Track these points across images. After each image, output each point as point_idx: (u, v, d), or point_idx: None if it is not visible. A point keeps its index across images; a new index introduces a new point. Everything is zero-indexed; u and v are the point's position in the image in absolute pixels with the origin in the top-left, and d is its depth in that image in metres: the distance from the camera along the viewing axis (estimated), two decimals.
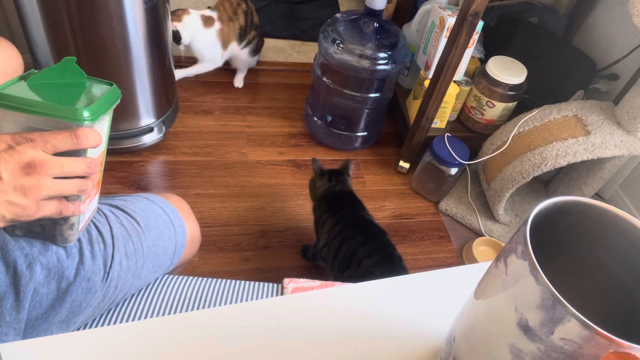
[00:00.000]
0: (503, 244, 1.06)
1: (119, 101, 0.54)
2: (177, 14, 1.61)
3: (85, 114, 0.48)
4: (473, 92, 1.60)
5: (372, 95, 1.56)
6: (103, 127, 0.52)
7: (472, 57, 1.66)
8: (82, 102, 0.50)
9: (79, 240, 0.63)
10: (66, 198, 0.51)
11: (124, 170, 1.48)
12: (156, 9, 1.29)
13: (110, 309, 0.72)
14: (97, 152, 0.52)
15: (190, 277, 0.79)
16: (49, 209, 0.49)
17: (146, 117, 1.48)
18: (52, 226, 0.55)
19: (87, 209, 0.55)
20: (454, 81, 1.53)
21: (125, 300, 0.73)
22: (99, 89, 0.52)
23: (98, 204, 0.70)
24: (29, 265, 0.57)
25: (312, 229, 1.29)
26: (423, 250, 1.50)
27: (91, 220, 0.66)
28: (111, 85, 0.53)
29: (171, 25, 1.53)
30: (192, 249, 0.84)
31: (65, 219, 0.54)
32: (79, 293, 0.62)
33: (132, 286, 0.71)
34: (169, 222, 0.77)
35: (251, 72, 1.92)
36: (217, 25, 1.67)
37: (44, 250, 0.58)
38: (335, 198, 1.25)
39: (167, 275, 0.79)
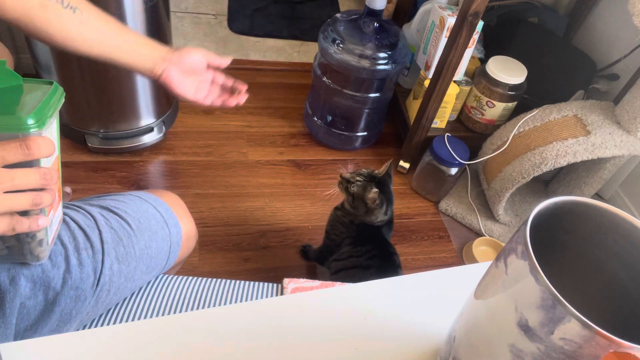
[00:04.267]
0: (503, 244, 1.06)
1: (63, 99, 0.48)
2: None
3: (30, 121, 0.43)
4: (473, 92, 1.60)
5: (372, 95, 1.56)
6: (52, 131, 0.47)
7: (472, 57, 1.66)
8: (24, 108, 0.44)
9: (64, 247, 0.61)
10: (23, 213, 0.46)
11: (124, 170, 1.48)
12: (156, 9, 1.29)
13: (109, 310, 0.72)
14: (51, 160, 0.47)
15: (190, 277, 0.79)
16: None
17: (146, 117, 1.48)
18: (19, 246, 0.50)
19: (49, 222, 0.49)
20: (454, 81, 1.53)
21: (123, 300, 0.73)
22: (39, 90, 0.47)
23: (87, 206, 0.69)
24: (12, 280, 0.56)
25: (312, 229, 1.29)
26: (423, 250, 1.50)
27: (78, 225, 0.64)
28: (51, 84, 0.47)
29: None
30: (189, 247, 0.83)
31: (32, 235, 0.49)
32: (68, 302, 0.61)
33: (126, 289, 0.70)
34: (162, 222, 0.75)
35: (251, 72, 1.92)
36: None
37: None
38: (371, 230, 1.14)
39: (166, 275, 0.79)
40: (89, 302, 0.64)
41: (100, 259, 0.64)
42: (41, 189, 0.46)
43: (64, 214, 0.65)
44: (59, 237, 0.62)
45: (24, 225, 0.46)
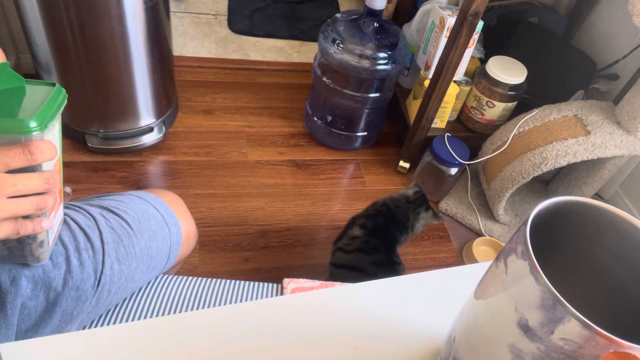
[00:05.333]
0: (503, 244, 1.06)
1: (66, 101, 0.48)
2: None
3: (33, 124, 0.42)
4: (473, 92, 1.60)
5: (372, 95, 1.56)
6: (54, 133, 0.47)
7: (472, 57, 1.66)
8: (26, 110, 0.44)
9: (65, 248, 0.61)
10: (26, 216, 0.46)
11: (124, 170, 1.48)
12: (156, 9, 1.29)
13: (109, 310, 0.72)
14: (52, 163, 0.47)
15: (190, 277, 0.79)
16: (4, 231, 0.44)
17: (146, 117, 1.48)
18: (20, 247, 0.50)
19: (51, 224, 0.50)
20: (454, 81, 1.53)
21: (124, 300, 0.73)
22: (41, 91, 0.46)
23: (87, 207, 0.69)
24: (13, 281, 0.56)
25: (312, 229, 1.29)
26: (423, 250, 1.50)
27: (79, 226, 0.64)
28: (53, 85, 0.47)
29: None
30: (189, 247, 0.83)
31: (33, 237, 0.50)
32: (69, 302, 0.61)
33: (126, 289, 0.70)
34: (162, 222, 0.75)
35: (251, 72, 1.92)
36: None
37: None
38: (386, 227, 1.17)
39: (166, 275, 0.79)
40: (89, 303, 0.64)
41: (101, 259, 0.64)
42: (44, 193, 0.46)
43: (65, 214, 0.65)
44: (60, 238, 0.62)
45: (28, 228, 0.46)
